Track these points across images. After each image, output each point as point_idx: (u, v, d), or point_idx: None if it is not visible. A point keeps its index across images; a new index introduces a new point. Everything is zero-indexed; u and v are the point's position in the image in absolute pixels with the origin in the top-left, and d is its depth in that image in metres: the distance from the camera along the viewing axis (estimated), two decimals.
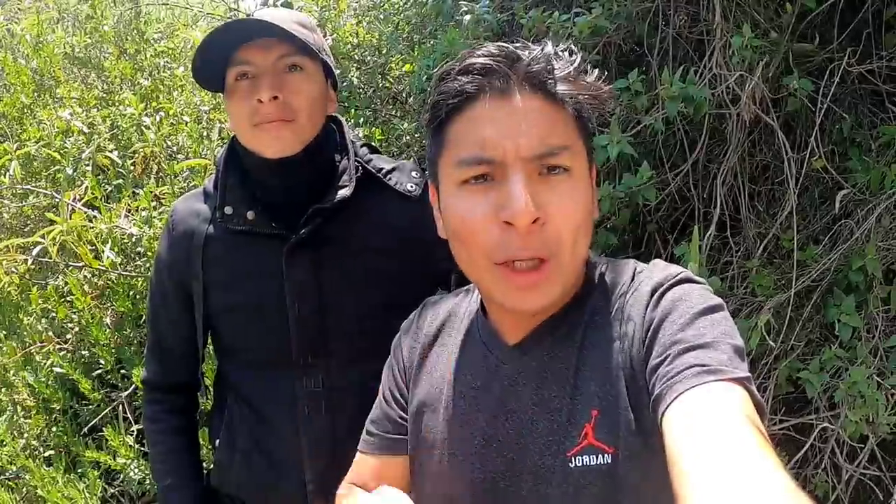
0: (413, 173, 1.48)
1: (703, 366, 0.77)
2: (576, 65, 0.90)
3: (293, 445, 1.43)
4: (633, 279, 0.94)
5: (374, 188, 1.44)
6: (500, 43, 0.91)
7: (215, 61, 1.34)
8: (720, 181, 2.11)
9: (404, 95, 2.77)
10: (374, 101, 2.79)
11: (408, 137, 2.58)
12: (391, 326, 1.36)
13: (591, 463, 0.87)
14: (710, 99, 1.92)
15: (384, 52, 2.71)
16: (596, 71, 0.94)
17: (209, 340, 1.54)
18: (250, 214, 1.38)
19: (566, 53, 0.91)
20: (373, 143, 1.62)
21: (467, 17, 2.03)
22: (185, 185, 2.40)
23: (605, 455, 0.87)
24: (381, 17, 2.71)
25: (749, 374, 0.78)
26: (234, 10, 2.82)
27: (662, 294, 0.88)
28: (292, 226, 1.38)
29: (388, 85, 2.79)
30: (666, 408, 0.76)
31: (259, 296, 1.40)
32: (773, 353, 2.02)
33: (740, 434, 0.68)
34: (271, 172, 1.38)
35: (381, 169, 1.46)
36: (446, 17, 2.34)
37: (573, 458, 0.88)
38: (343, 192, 1.39)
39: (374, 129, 2.74)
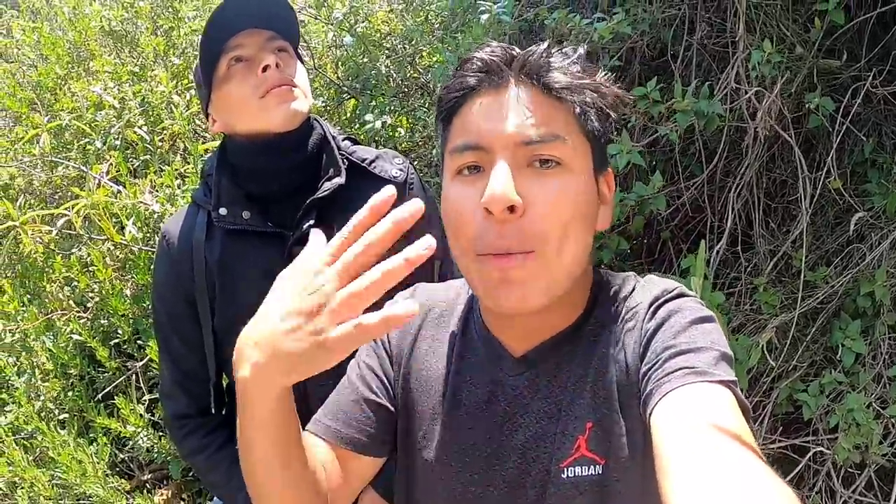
0: (396, 160, 1.52)
1: (691, 368, 0.79)
2: (573, 59, 0.89)
3: None
4: (632, 292, 0.95)
5: (360, 178, 1.46)
6: (503, 44, 0.91)
7: (210, 50, 1.38)
8: (734, 194, 2.09)
9: (431, 86, 2.77)
10: (402, 90, 2.80)
11: (432, 128, 2.59)
12: None
13: (582, 473, 0.89)
14: (724, 114, 1.90)
15: (413, 41, 2.72)
16: (602, 71, 0.92)
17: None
18: (245, 214, 1.40)
19: (568, 50, 0.91)
20: (353, 136, 1.62)
21: (484, 16, 2.03)
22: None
23: (597, 466, 0.88)
24: (411, 8, 2.71)
25: (735, 379, 0.79)
26: None
27: (659, 307, 0.90)
28: (287, 224, 1.41)
29: (416, 75, 2.80)
30: (654, 406, 0.78)
31: (261, 297, 1.42)
32: (773, 372, 2.01)
33: (723, 429, 0.70)
34: (267, 155, 1.39)
35: (365, 159, 1.49)
36: (473, 12, 2.34)
37: (565, 469, 0.89)
38: (336, 181, 1.41)
39: (400, 117, 2.76)
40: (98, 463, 2.17)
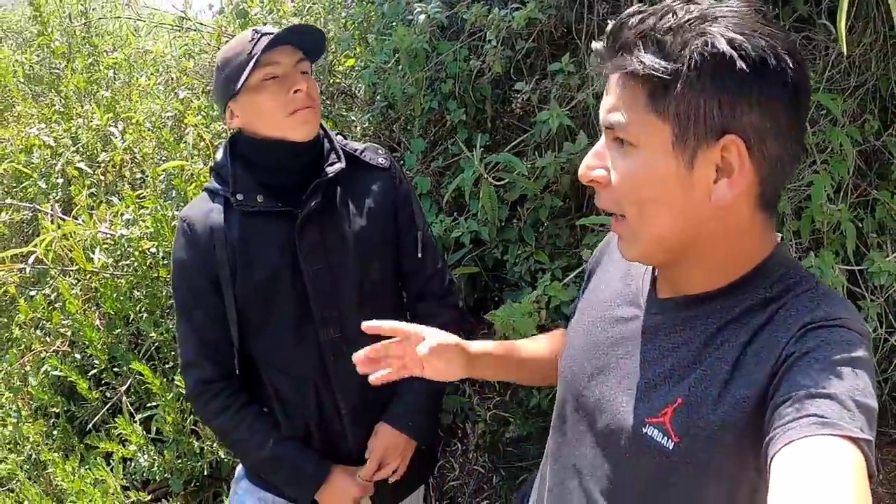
0: (379, 150, 1.81)
1: (822, 417, 0.75)
2: (636, 27, 0.84)
3: (326, 389, 1.71)
4: (795, 298, 0.91)
5: (354, 165, 1.74)
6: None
7: (249, 57, 1.58)
8: None
9: (353, 89, 2.98)
10: (325, 98, 3.00)
11: (361, 127, 2.79)
12: (380, 273, 1.74)
13: (657, 439, 0.92)
14: None
15: (332, 50, 2.92)
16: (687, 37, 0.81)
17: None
18: (259, 198, 1.63)
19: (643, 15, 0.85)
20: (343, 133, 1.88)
21: (422, 17, 2.28)
22: (164, 185, 2.56)
23: (670, 440, 0.91)
24: (332, 18, 2.91)
25: (869, 438, 0.75)
26: (185, 18, 2.98)
27: (811, 331, 0.85)
28: (295, 203, 1.64)
29: (336, 81, 3.00)
30: (776, 452, 0.76)
31: (277, 265, 1.64)
32: None
33: (840, 492, 0.69)
34: (290, 155, 1.64)
35: (356, 149, 1.77)
36: (397, 17, 2.58)
37: (647, 425, 0.94)
38: (338, 166, 1.68)
39: (327, 122, 2.95)
40: (117, 479, 2.25)
